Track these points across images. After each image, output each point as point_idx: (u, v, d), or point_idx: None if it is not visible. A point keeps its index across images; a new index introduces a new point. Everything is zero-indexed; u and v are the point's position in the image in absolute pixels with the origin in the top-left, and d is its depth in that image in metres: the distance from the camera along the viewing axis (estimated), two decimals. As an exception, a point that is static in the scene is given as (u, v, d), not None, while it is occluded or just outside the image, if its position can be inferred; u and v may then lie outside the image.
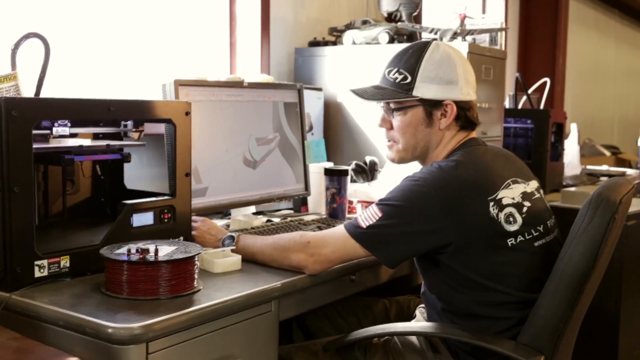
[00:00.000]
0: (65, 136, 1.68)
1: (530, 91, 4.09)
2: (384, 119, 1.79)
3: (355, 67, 2.94)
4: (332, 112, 2.98)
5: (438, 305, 1.72)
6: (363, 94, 1.80)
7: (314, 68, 3.04)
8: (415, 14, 3.20)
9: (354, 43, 3.00)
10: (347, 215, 2.39)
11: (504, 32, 3.27)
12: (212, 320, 1.46)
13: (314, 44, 3.13)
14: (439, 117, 1.72)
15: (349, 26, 3.08)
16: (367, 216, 1.63)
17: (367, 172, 2.73)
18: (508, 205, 1.64)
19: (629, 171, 4.46)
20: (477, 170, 1.67)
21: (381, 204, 1.64)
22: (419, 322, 1.84)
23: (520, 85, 4.08)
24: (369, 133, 2.92)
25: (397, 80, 1.71)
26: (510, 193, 1.65)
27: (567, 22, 6.30)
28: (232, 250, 1.76)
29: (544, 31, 6.08)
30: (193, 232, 1.83)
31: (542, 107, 4.24)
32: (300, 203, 2.53)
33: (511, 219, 1.63)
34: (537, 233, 1.67)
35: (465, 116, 1.75)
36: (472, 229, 1.60)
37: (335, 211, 2.32)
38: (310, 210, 2.51)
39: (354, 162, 2.74)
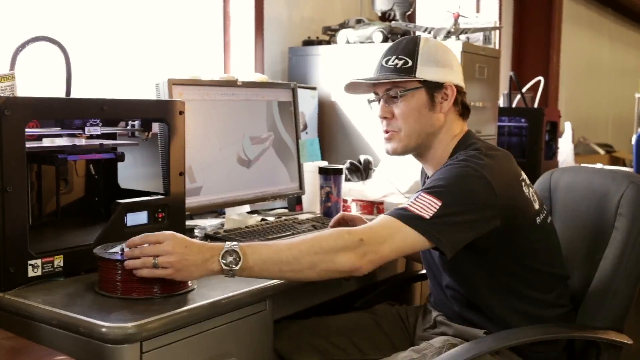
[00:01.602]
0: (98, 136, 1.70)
1: (524, 90, 4.10)
2: (384, 109, 1.73)
3: (349, 66, 2.94)
4: (326, 111, 2.98)
5: (463, 300, 1.71)
6: (361, 83, 1.76)
7: (308, 67, 3.04)
8: (409, 13, 3.20)
9: (348, 42, 3.00)
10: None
11: (497, 31, 3.28)
12: (206, 319, 1.46)
13: (308, 43, 3.12)
14: (440, 100, 1.71)
15: (343, 25, 3.08)
16: (423, 206, 1.51)
17: (362, 170, 2.74)
18: (529, 185, 1.70)
19: (626, 170, 4.47)
20: (507, 155, 1.70)
21: (436, 191, 1.53)
22: (522, 329, 1.64)
23: (514, 84, 4.09)
24: (363, 132, 2.92)
25: (398, 66, 1.70)
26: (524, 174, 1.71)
27: (560, 21, 6.31)
28: (241, 272, 1.43)
29: (538, 30, 6.09)
30: (160, 261, 1.39)
31: (536, 105, 4.26)
32: (295, 202, 2.53)
33: (534, 198, 1.69)
34: (546, 211, 1.73)
35: (462, 101, 1.76)
36: (517, 210, 1.62)
37: (330, 210, 2.32)
38: (305, 209, 2.51)
39: (349, 161, 2.74)
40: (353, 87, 1.81)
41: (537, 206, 1.69)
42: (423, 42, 1.71)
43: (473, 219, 1.55)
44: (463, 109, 1.77)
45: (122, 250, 1.47)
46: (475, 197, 1.56)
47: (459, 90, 1.75)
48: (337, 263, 1.45)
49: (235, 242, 1.43)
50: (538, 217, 1.68)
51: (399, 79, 1.69)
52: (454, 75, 1.73)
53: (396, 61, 1.71)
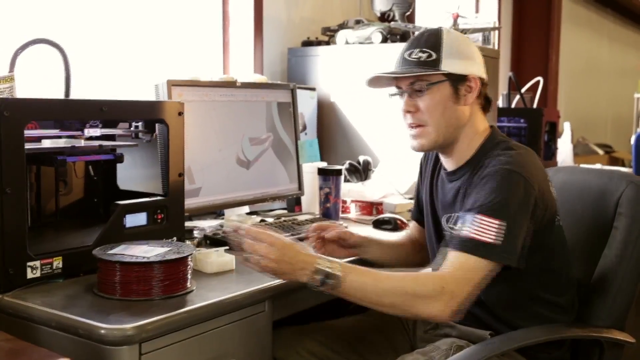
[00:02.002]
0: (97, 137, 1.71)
1: (523, 90, 4.10)
2: (409, 102, 1.69)
3: (348, 67, 2.94)
4: (326, 112, 2.98)
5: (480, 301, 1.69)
6: (382, 76, 1.73)
7: (307, 68, 3.04)
8: (409, 13, 3.20)
9: (347, 43, 3.00)
10: (341, 215, 2.40)
11: (497, 32, 3.28)
12: (206, 321, 1.46)
13: (307, 43, 3.12)
14: (464, 92, 1.68)
15: (342, 26, 3.08)
16: (487, 230, 1.51)
17: (361, 171, 2.73)
18: (551, 183, 1.70)
19: (622, 170, 4.47)
20: (533, 152, 1.70)
21: (494, 210, 1.52)
22: (529, 329, 1.64)
23: (513, 84, 4.10)
24: (363, 133, 2.92)
25: (422, 59, 1.66)
26: None
27: (560, 21, 6.31)
28: (332, 290, 1.48)
29: (537, 30, 6.10)
30: (261, 258, 1.49)
31: (535, 106, 4.26)
32: (294, 203, 2.53)
33: (556, 196, 1.70)
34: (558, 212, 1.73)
35: (485, 94, 1.75)
36: (546, 209, 1.63)
37: (329, 211, 2.32)
38: (304, 210, 2.51)
39: (348, 162, 2.74)
40: (375, 81, 1.76)
41: (557, 205, 1.69)
42: (446, 34, 1.68)
43: (528, 223, 1.57)
44: (485, 102, 1.76)
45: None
46: (527, 203, 1.57)
47: (482, 82, 1.73)
48: (418, 309, 1.48)
49: (327, 258, 1.50)
50: (557, 217, 1.68)
51: (424, 72, 1.66)
52: (476, 67, 1.71)
53: (420, 54, 1.67)
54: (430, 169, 1.87)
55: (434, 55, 1.66)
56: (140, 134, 1.81)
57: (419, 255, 1.92)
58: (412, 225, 2.01)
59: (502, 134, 1.76)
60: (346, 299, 1.50)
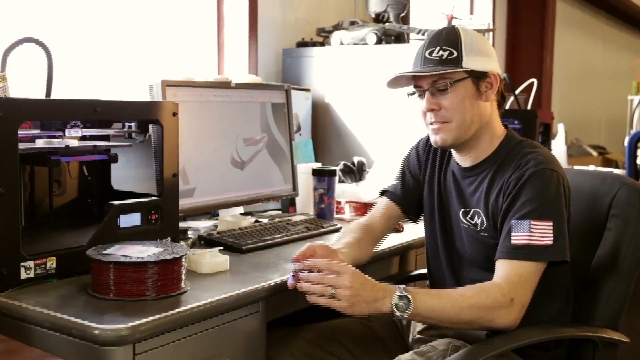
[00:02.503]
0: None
1: (517, 92, 4.11)
2: (431, 101, 1.69)
3: (343, 68, 2.95)
4: (320, 113, 2.99)
5: None
6: (401, 77, 1.72)
7: (301, 69, 3.05)
8: (403, 14, 3.21)
9: (341, 44, 3.01)
10: (336, 216, 2.40)
11: (491, 33, 3.28)
12: (200, 321, 1.46)
13: (302, 44, 3.13)
14: (485, 89, 1.70)
15: (337, 27, 3.08)
16: (542, 233, 1.57)
17: (355, 172, 2.74)
18: None
19: (616, 171, 4.48)
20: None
21: (543, 212, 1.58)
22: (525, 330, 1.62)
23: (507, 85, 4.10)
24: (357, 133, 2.92)
25: (444, 57, 1.66)
26: None
27: (554, 23, 6.33)
28: (411, 315, 1.50)
29: (532, 32, 6.11)
30: (338, 291, 1.47)
31: (529, 107, 4.26)
32: (289, 203, 2.53)
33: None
34: None
35: (501, 91, 1.76)
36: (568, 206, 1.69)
37: (324, 211, 2.33)
38: (299, 210, 2.51)
39: (342, 163, 2.74)
40: (394, 82, 1.75)
41: None
42: (463, 32, 1.69)
43: (566, 218, 1.64)
44: (501, 99, 1.78)
45: (294, 272, 1.52)
46: (565, 196, 1.64)
47: (500, 79, 1.74)
48: (494, 322, 1.54)
49: (403, 286, 1.52)
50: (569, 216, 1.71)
51: (449, 70, 1.66)
52: (494, 64, 1.72)
53: (441, 52, 1.67)
54: (438, 166, 1.86)
55: (455, 53, 1.66)
56: (133, 134, 1.81)
57: (372, 246, 1.89)
58: (382, 205, 1.97)
59: (516, 133, 1.80)
60: (423, 322, 1.56)
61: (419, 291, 1.54)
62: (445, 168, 1.84)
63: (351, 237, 1.80)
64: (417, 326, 1.89)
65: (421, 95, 1.72)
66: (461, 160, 1.78)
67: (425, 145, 1.92)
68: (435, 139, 1.72)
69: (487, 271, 1.70)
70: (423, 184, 1.91)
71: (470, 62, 1.66)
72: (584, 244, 1.80)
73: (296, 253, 1.61)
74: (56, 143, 1.65)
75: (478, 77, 1.68)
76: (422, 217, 1.97)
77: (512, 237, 1.59)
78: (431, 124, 1.71)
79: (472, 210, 1.73)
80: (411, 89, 1.75)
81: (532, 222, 1.58)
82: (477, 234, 1.71)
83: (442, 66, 1.66)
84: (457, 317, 1.52)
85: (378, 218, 1.94)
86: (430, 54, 1.68)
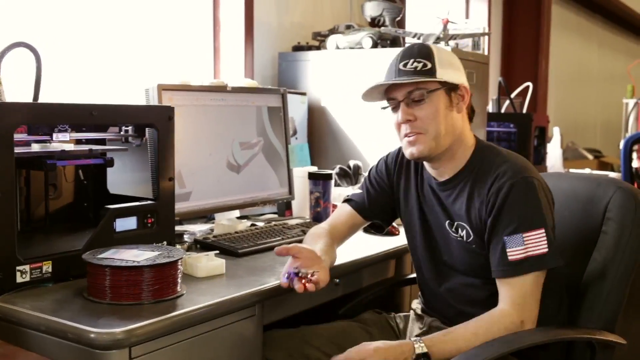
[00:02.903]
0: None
1: (513, 95, 4.13)
2: (407, 112, 1.70)
3: (339, 72, 2.95)
4: (316, 117, 2.99)
5: (468, 302, 1.73)
6: (374, 90, 1.74)
7: (297, 72, 3.05)
8: (399, 18, 3.22)
9: (337, 48, 3.01)
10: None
11: (486, 37, 3.29)
12: (196, 325, 1.46)
13: (298, 48, 3.13)
14: (457, 101, 1.72)
15: (333, 31, 3.09)
16: (537, 243, 1.60)
17: (351, 176, 2.74)
18: None
19: (612, 174, 4.49)
20: None
21: (532, 223, 1.60)
22: (524, 332, 1.64)
23: (503, 89, 4.12)
24: (353, 137, 2.93)
25: (418, 68, 1.68)
26: None
27: (549, 27, 6.35)
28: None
29: (527, 36, 6.13)
30: None
31: (524, 111, 4.28)
32: (285, 207, 2.53)
33: None
34: None
35: (471, 105, 1.79)
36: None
37: (320, 215, 2.33)
38: (295, 214, 2.51)
39: (338, 166, 2.75)
40: (368, 94, 1.77)
41: None
42: (434, 47, 1.73)
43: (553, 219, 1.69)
44: (471, 112, 1.80)
45: (289, 275, 1.57)
46: (547, 202, 1.67)
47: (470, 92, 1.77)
48: None
49: (418, 339, 1.58)
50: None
51: (425, 79, 1.68)
52: (463, 78, 1.76)
53: (415, 64, 1.69)
54: (413, 179, 1.86)
55: (429, 65, 1.68)
56: (130, 138, 1.81)
57: (336, 248, 1.88)
58: (346, 212, 1.97)
59: (486, 141, 1.82)
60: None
61: (434, 340, 1.59)
62: (421, 181, 1.84)
63: (323, 244, 1.80)
64: (414, 330, 1.89)
65: (395, 109, 1.73)
66: (437, 174, 1.78)
67: (396, 158, 1.92)
68: (411, 151, 1.72)
69: (478, 277, 1.72)
70: (395, 197, 1.92)
71: (444, 74, 1.69)
72: (580, 247, 1.80)
73: (280, 247, 1.65)
74: (52, 147, 1.65)
75: (450, 88, 1.71)
76: (386, 230, 2.09)
77: (508, 254, 1.60)
78: (406, 135, 1.72)
79: (455, 223, 1.74)
80: (384, 102, 1.76)
81: (525, 235, 1.60)
82: (467, 245, 1.72)
83: (417, 76, 1.68)
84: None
85: (341, 225, 1.95)
86: (405, 65, 1.70)
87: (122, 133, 1.80)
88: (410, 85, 1.68)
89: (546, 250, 1.59)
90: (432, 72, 1.68)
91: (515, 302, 1.59)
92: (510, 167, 1.66)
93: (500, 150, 1.75)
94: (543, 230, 1.60)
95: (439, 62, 1.69)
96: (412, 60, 1.70)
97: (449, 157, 1.74)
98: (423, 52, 1.71)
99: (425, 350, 1.56)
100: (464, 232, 1.71)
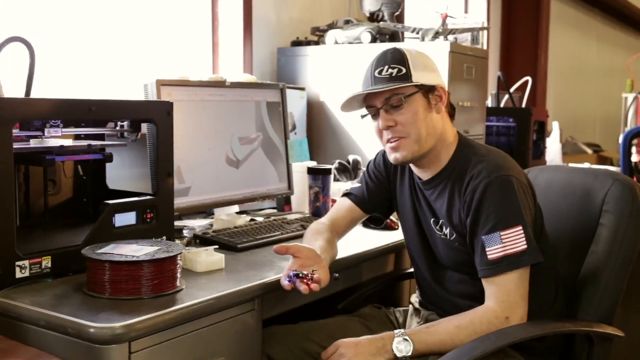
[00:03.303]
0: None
1: (512, 90, 4.12)
2: (386, 118, 1.72)
3: (337, 67, 2.95)
4: (315, 112, 2.99)
5: (464, 296, 1.73)
6: (354, 98, 1.76)
7: (296, 68, 3.05)
8: (398, 13, 3.21)
9: (336, 43, 3.01)
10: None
11: (485, 32, 3.29)
12: (195, 319, 1.46)
13: (297, 43, 3.13)
14: (435, 102, 1.73)
15: (332, 26, 3.09)
16: (515, 240, 1.60)
17: (350, 170, 2.74)
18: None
19: (611, 169, 4.49)
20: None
21: (509, 221, 1.61)
22: (521, 325, 1.63)
23: (502, 84, 4.12)
24: (352, 132, 2.93)
25: (394, 74, 1.70)
26: None
27: (548, 22, 6.34)
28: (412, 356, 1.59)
29: (526, 30, 6.12)
30: None
31: (524, 105, 4.28)
32: (284, 202, 2.54)
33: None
34: None
35: (449, 102, 1.79)
36: (534, 197, 1.73)
37: (319, 210, 2.33)
38: (294, 209, 2.51)
39: (337, 161, 2.75)
40: (347, 105, 1.80)
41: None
42: (407, 51, 1.73)
43: (538, 210, 1.72)
44: (451, 109, 1.81)
45: (289, 278, 1.57)
46: (525, 198, 1.66)
47: (447, 91, 1.78)
48: None
49: (401, 330, 1.62)
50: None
51: (401, 84, 1.68)
52: (439, 79, 1.77)
53: (390, 70, 1.70)
54: (407, 176, 1.88)
55: (404, 70, 1.70)
56: (125, 134, 1.80)
57: (336, 243, 1.90)
58: (345, 206, 1.98)
59: (469, 139, 1.81)
60: (425, 353, 1.59)
61: (416, 331, 1.62)
62: (412, 178, 1.85)
63: (323, 240, 1.81)
64: (412, 324, 1.90)
65: (374, 116, 1.75)
66: (420, 173, 1.80)
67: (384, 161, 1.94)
68: (395, 156, 1.74)
69: (466, 274, 1.73)
70: (392, 190, 1.93)
71: (419, 77, 1.70)
72: (577, 240, 1.81)
73: (279, 246, 1.67)
74: (51, 142, 1.65)
75: (427, 90, 1.72)
76: (385, 223, 2.12)
77: (487, 253, 1.61)
78: (389, 141, 1.73)
79: (440, 221, 1.75)
80: (364, 110, 1.78)
81: (502, 233, 1.60)
82: (450, 243, 1.74)
83: (393, 83, 1.69)
84: (457, 347, 1.56)
85: (341, 219, 1.96)
86: (380, 72, 1.71)
87: (117, 128, 1.79)
88: (388, 92, 1.70)
89: (525, 247, 1.59)
90: (407, 76, 1.69)
91: (499, 300, 1.60)
92: (485, 167, 1.66)
93: (479, 149, 1.75)
94: (521, 228, 1.60)
95: (413, 66, 1.70)
96: (386, 67, 1.71)
97: (433, 158, 1.75)
98: (396, 57, 1.72)
99: (407, 337, 1.58)
100: (448, 230, 1.73)
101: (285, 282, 1.59)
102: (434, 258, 1.82)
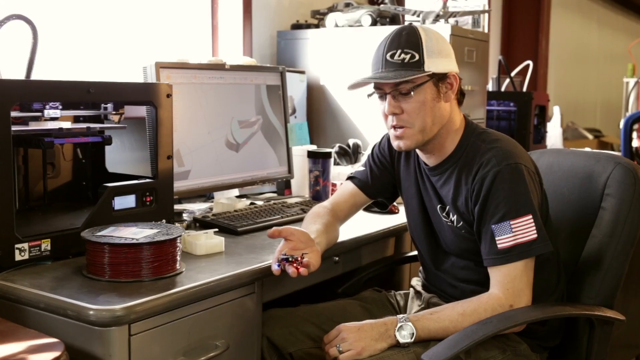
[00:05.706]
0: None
1: (513, 74, 4.11)
2: (393, 104, 1.68)
3: (338, 50, 2.93)
4: (315, 95, 2.98)
5: (467, 280, 1.74)
6: (380, 79, 1.69)
7: (296, 51, 3.03)
8: (398, -4, 3.19)
9: (336, 26, 2.99)
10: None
11: (486, 15, 3.27)
12: (195, 302, 1.46)
13: (297, 26, 3.11)
14: (445, 90, 1.70)
15: (332, 9, 3.07)
16: (525, 230, 1.59)
17: (350, 154, 2.74)
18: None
19: (605, 152, 4.48)
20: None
21: (519, 210, 1.59)
22: (523, 309, 1.63)
23: (503, 68, 4.10)
24: (352, 116, 2.91)
25: (406, 60, 1.66)
26: None
27: (550, 5, 6.31)
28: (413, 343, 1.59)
29: (527, 14, 6.09)
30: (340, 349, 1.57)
31: (524, 89, 4.26)
32: (284, 186, 2.53)
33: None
34: None
35: (460, 89, 1.76)
36: (541, 183, 1.73)
37: (319, 194, 2.32)
38: (294, 192, 2.51)
39: (337, 145, 2.74)
40: (355, 84, 1.75)
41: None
42: (423, 33, 1.68)
43: (544, 197, 1.71)
44: (460, 96, 1.78)
45: (280, 262, 1.57)
46: (534, 186, 1.65)
47: (459, 78, 1.74)
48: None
49: (404, 316, 1.61)
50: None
51: (412, 76, 1.64)
52: (453, 64, 1.72)
53: (402, 55, 1.66)
54: (412, 160, 1.86)
55: (417, 56, 1.65)
56: (109, 116, 1.78)
57: (338, 227, 1.90)
58: (349, 190, 1.96)
59: (476, 125, 1.78)
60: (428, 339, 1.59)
61: (420, 317, 1.61)
62: (419, 163, 1.84)
63: (320, 224, 1.80)
64: (414, 307, 1.90)
65: (382, 97, 1.71)
66: (426, 158, 1.79)
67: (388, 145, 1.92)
68: (398, 144, 1.72)
69: (470, 260, 1.73)
70: (396, 174, 1.92)
71: (431, 65, 1.66)
72: (578, 223, 1.80)
73: (272, 229, 1.65)
74: (49, 125, 1.64)
75: (439, 79, 1.68)
76: (387, 208, 2.08)
77: (497, 242, 1.60)
78: (393, 127, 1.71)
79: (447, 207, 1.74)
80: (370, 89, 1.74)
81: (512, 222, 1.59)
82: (456, 230, 1.72)
83: (404, 70, 1.65)
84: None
85: (344, 203, 1.95)
86: (392, 56, 1.67)
87: (101, 111, 1.78)
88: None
89: (535, 236, 1.59)
90: (419, 64, 1.65)
91: (505, 288, 1.60)
92: (494, 155, 1.64)
93: (488, 135, 1.72)
94: (531, 217, 1.59)
95: (427, 52, 1.66)
96: (399, 52, 1.67)
97: (438, 145, 1.73)
98: (411, 41, 1.67)
99: (410, 323, 1.58)
100: (454, 217, 1.72)
101: (274, 267, 1.57)
102: (437, 244, 1.81)
